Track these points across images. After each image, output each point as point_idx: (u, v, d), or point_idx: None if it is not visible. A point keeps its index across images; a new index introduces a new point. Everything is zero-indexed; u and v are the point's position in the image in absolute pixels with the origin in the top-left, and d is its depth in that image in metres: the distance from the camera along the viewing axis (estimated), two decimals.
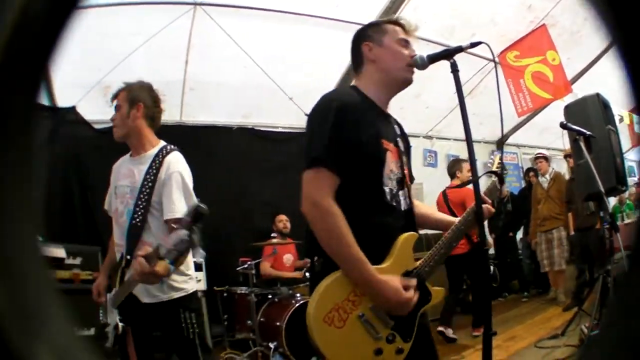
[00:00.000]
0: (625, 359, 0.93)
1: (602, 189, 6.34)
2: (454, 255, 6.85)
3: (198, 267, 8.65)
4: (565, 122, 6.96)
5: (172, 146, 4.77)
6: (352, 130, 3.13)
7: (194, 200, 4.39)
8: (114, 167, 4.97)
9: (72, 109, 10.25)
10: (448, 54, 3.36)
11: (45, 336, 1.03)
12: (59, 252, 6.96)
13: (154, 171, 4.47)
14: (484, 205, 3.52)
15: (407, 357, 3.20)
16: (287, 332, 8.16)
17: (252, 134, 12.39)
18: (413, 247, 3.34)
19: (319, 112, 3.28)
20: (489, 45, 3.42)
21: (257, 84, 10.89)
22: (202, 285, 8.78)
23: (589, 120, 7.20)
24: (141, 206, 4.44)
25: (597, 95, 7.51)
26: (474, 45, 3.38)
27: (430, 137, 14.41)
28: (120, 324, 4.46)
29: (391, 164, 3.33)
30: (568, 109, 7.93)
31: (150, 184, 4.44)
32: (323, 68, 10.76)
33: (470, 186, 4.25)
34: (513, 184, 16.16)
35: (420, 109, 12.14)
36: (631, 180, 16.75)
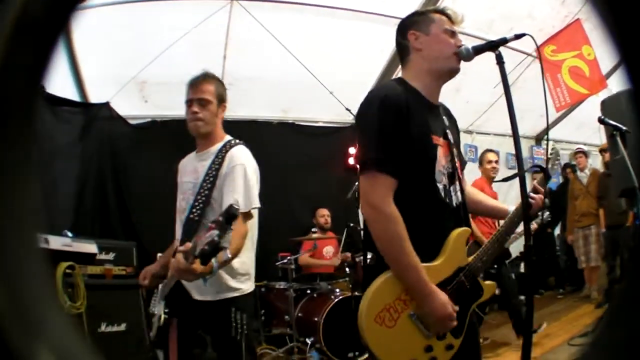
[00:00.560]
0: None
1: (637, 185, 6.31)
2: None
3: None
4: (602, 117, 6.93)
5: (237, 140, 4.73)
6: (402, 130, 3.13)
7: (254, 194, 4.44)
8: (179, 166, 5.00)
9: (106, 105, 10.31)
10: (493, 45, 3.34)
11: (45, 336, 1.05)
12: (91, 247, 6.94)
13: (217, 166, 4.42)
14: (537, 196, 3.60)
15: (458, 352, 3.23)
16: (324, 328, 8.14)
17: (292, 128, 12.44)
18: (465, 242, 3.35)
19: (367, 112, 3.28)
20: (532, 37, 3.42)
21: (296, 78, 10.86)
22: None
23: (623, 116, 7.16)
24: (200, 200, 4.39)
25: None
26: (518, 37, 3.36)
27: (470, 132, 14.33)
28: (163, 315, 4.44)
29: (442, 159, 3.34)
30: (604, 104, 7.87)
31: (211, 179, 4.40)
32: (363, 62, 10.75)
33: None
34: (552, 180, 16.02)
35: (460, 103, 12.06)
36: None
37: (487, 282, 3.43)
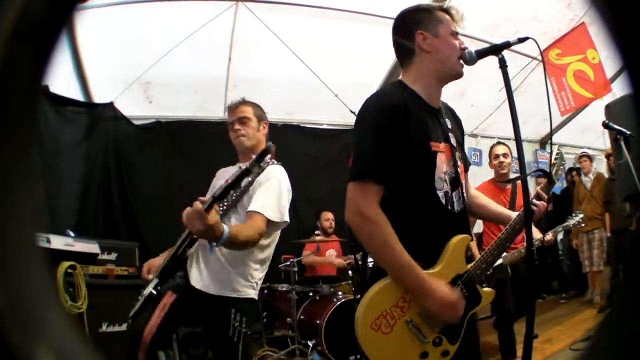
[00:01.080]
0: None
1: None
2: None
3: None
4: (607, 121, 6.92)
5: (276, 161, 4.88)
6: (398, 137, 3.10)
7: (286, 208, 4.61)
8: (218, 173, 5.18)
9: (110, 105, 10.35)
10: (496, 49, 3.30)
11: (45, 336, 1.05)
12: (93, 247, 6.98)
13: (254, 176, 4.29)
14: (539, 203, 3.56)
15: (452, 358, 3.21)
16: (326, 331, 8.14)
17: (296, 130, 12.47)
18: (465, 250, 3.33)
19: (364, 119, 3.26)
20: (536, 41, 3.37)
21: (301, 80, 10.92)
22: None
23: (627, 120, 7.14)
24: (229, 200, 4.47)
25: None
26: (521, 40, 3.31)
27: (475, 136, 14.35)
28: (152, 290, 4.41)
29: (443, 165, 3.30)
30: (608, 109, 7.86)
31: (246, 185, 4.45)
32: (368, 64, 10.76)
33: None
34: (556, 184, 15.99)
35: (465, 107, 12.08)
36: None
37: (486, 289, 3.41)
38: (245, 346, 4.43)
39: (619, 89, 10.90)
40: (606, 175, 12.48)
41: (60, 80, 8.91)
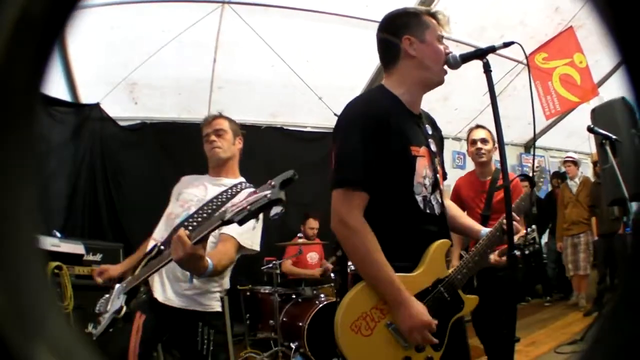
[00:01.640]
0: None
1: (627, 195, 6.30)
2: None
3: None
4: (592, 126, 6.91)
5: (250, 185, 4.73)
6: (379, 143, 3.11)
7: (258, 237, 4.58)
8: (183, 179, 5.06)
9: (97, 106, 10.35)
10: (481, 53, 3.31)
11: (45, 336, 1.04)
12: (78, 248, 7.02)
13: (228, 196, 4.45)
14: (515, 224, 3.51)
15: None
16: (309, 333, 8.15)
17: (280, 133, 12.49)
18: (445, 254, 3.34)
19: (345, 125, 3.27)
20: (521, 46, 3.35)
21: (285, 83, 10.97)
22: (225, 284, 8.78)
23: (615, 124, 7.15)
24: (202, 215, 4.35)
25: (623, 99, 7.45)
26: (506, 45, 3.34)
27: (459, 139, 14.33)
28: (125, 308, 4.15)
29: (423, 170, 3.30)
30: (595, 113, 7.87)
31: (219, 203, 4.38)
32: (352, 68, 10.76)
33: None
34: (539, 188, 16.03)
35: (449, 111, 12.13)
36: None
37: (470, 295, 3.39)
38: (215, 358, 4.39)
39: (606, 93, 10.94)
40: (592, 179, 12.50)
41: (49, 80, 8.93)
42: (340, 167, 3.20)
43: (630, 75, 0.97)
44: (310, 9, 10.00)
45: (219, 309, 4.64)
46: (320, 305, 8.39)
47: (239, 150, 5.00)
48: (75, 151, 9.96)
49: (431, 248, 3.24)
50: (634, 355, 0.92)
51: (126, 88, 10.40)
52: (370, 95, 3.53)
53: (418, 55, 3.35)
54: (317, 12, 10.08)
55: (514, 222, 3.45)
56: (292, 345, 8.45)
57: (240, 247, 4.30)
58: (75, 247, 6.98)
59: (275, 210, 2.94)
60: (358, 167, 3.10)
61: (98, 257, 7.52)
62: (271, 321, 8.97)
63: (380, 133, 3.11)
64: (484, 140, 6.90)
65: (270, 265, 9.29)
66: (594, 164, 11.82)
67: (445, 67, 3.41)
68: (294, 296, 9.25)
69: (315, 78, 10.99)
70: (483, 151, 6.82)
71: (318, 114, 11.47)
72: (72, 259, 6.88)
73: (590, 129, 6.82)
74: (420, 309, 3.05)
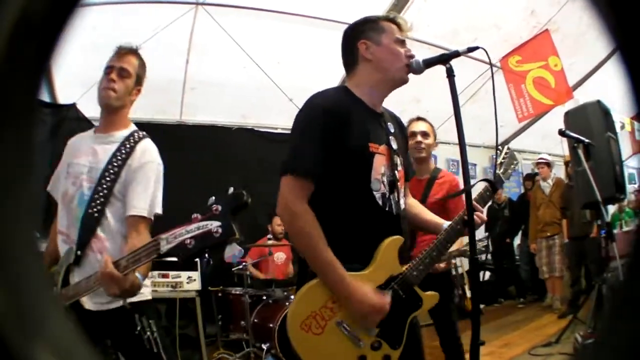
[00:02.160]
0: None
1: (600, 199, 6.32)
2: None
3: (193, 267, 8.77)
4: (563, 129, 6.94)
5: (144, 132, 4.22)
6: (336, 136, 3.14)
7: (160, 199, 3.94)
8: (69, 143, 4.40)
9: (73, 106, 10.28)
10: (444, 58, 3.31)
11: (45, 336, 1.03)
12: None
13: (124, 155, 3.90)
14: (476, 215, 3.46)
15: None
16: (279, 334, 8.15)
17: (251, 134, 12.54)
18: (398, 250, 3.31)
19: (302, 118, 3.30)
20: (486, 51, 3.38)
21: (257, 84, 10.99)
22: (196, 285, 8.89)
23: (589, 128, 7.18)
24: (101, 193, 3.81)
25: (598, 102, 7.49)
26: (471, 50, 3.35)
27: None
28: None
29: (381, 167, 3.32)
30: (568, 116, 7.91)
31: (116, 169, 3.85)
32: (324, 69, 10.76)
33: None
34: (512, 190, 16.12)
35: (420, 113, 12.13)
36: (632, 188, 16.73)
37: (428, 292, 3.38)
38: (166, 348, 3.88)
39: (582, 96, 11.00)
40: (565, 181, 12.55)
41: None
42: (289, 155, 3.25)
43: (626, 61, 0.96)
44: (283, 10, 10.09)
45: (149, 296, 4.03)
46: None
47: (132, 103, 4.30)
48: (52, 151, 9.91)
49: (383, 245, 3.25)
50: (634, 356, 0.92)
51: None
52: (331, 91, 3.49)
53: (374, 58, 3.43)
54: (290, 14, 10.17)
55: (478, 214, 3.47)
56: (264, 346, 8.48)
57: (148, 222, 3.82)
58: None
59: (232, 250, 2.58)
60: (309, 158, 3.14)
61: None
62: (242, 322, 9.00)
63: (338, 128, 3.16)
64: (424, 134, 6.41)
65: (241, 266, 9.37)
66: (566, 164, 11.83)
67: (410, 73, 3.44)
68: (264, 297, 9.27)
69: (286, 79, 11.08)
70: (423, 145, 6.28)
71: (289, 115, 11.46)
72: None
73: (561, 132, 6.85)
74: (366, 292, 3.07)
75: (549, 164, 12.69)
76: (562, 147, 13.02)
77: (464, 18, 10.78)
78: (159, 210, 3.90)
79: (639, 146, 15.45)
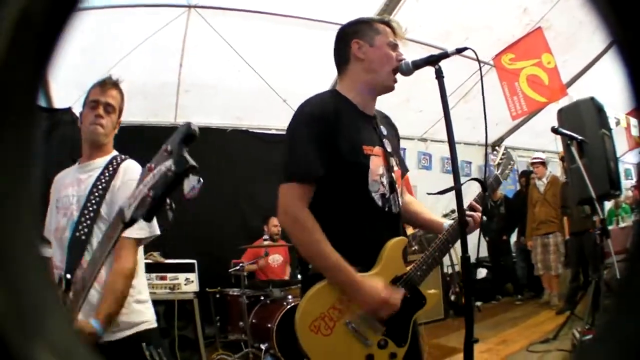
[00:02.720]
0: None
1: (594, 195, 6.34)
2: None
3: (190, 268, 8.80)
4: (556, 127, 6.94)
5: (126, 155, 4.11)
6: (327, 141, 3.17)
7: (155, 221, 3.80)
8: (55, 179, 4.29)
9: (69, 110, 10.27)
10: (433, 60, 3.30)
11: (45, 336, 1.03)
12: (48, 252, 6.99)
13: (107, 178, 3.82)
14: (474, 214, 3.53)
15: None
16: (278, 334, 8.20)
17: (245, 135, 12.56)
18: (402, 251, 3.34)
19: (295, 124, 3.31)
20: (474, 51, 3.31)
21: (251, 86, 11.01)
22: (194, 287, 8.91)
23: (582, 125, 7.18)
24: (87, 216, 3.71)
25: (592, 99, 7.48)
26: (460, 50, 3.33)
27: (424, 140, 14.49)
28: None
29: (378, 168, 3.33)
30: (561, 113, 7.91)
31: (101, 191, 3.76)
32: (317, 70, 10.75)
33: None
34: (508, 187, 16.05)
35: (412, 112, 12.17)
36: (629, 183, 16.74)
37: (431, 291, 3.41)
38: None
39: (575, 93, 11.01)
40: (561, 178, 12.56)
41: None
42: (284, 164, 3.27)
43: (624, 53, 0.96)
44: (275, 12, 10.09)
45: (154, 322, 3.94)
46: (288, 307, 8.43)
47: (113, 134, 4.17)
48: (46, 155, 9.89)
49: (387, 246, 3.27)
50: (633, 353, 0.92)
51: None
52: (321, 96, 3.49)
53: (366, 58, 3.44)
54: (282, 16, 10.18)
55: (475, 214, 3.53)
56: (262, 347, 8.49)
57: (140, 242, 3.80)
58: (44, 252, 6.95)
59: (190, 183, 2.15)
60: (302, 162, 3.17)
61: None
62: (241, 323, 9.03)
63: (329, 132, 3.18)
64: None
65: (238, 267, 9.34)
66: (562, 159, 11.82)
67: (398, 74, 3.47)
68: (262, 298, 9.30)
69: (280, 81, 11.12)
70: None
71: (283, 116, 11.44)
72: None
73: (554, 130, 6.86)
74: (376, 286, 3.11)
75: (544, 163, 12.69)
76: (556, 144, 13.05)
77: (457, 18, 10.77)
78: (155, 230, 3.84)
79: (635, 142, 15.41)
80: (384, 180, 3.36)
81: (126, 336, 3.62)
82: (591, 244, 9.91)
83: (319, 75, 10.21)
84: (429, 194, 4.06)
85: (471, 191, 3.74)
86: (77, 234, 3.66)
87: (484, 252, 14.43)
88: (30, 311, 1.03)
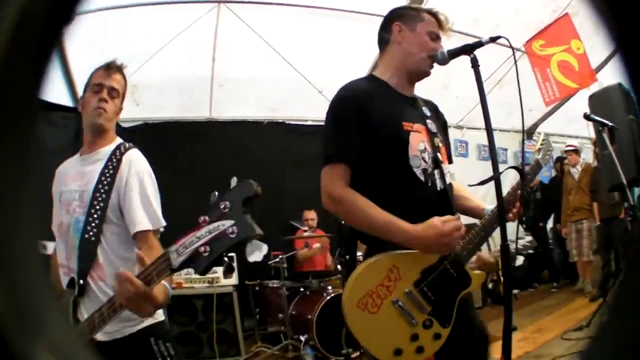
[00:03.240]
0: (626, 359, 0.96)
1: (625, 181, 6.33)
2: None
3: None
4: (588, 113, 6.92)
5: (131, 144, 3.97)
6: (363, 120, 3.22)
7: (160, 211, 3.70)
8: (57, 172, 4.06)
9: None
10: (468, 49, 3.33)
11: (45, 336, 1.06)
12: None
13: (111, 171, 3.65)
14: (513, 210, 3.57)
15: (447, 342, 3.20)
16: (317, 325, 8.19)
17: (282, 127, 12.55)
18: None
19: (329, 109, 3.38)
20: (508, 40, 3.37)
21: (285, 77, 11.04)
22: (234, 280, 8.98)
23: (611, 110, 7.15)
24: (95, 215, 3.55)
25: (619, 84, 7.44)
26: (493, 39, 3.35)
27: (460, 127, 14.39)
28: None
29: (419, 143, 3.35)
30: (592, 99, 7.89)
31: (106, 187, 3.60)
32: (352, 60, 10.76)
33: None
34: (544, 173, 15.99)
35: (449, 99, 12.08)
36: None
37: (476, 271, 3.38)
38: None
39: (605, 78, 10.95)
40: (594, 163, 12.49)
41: (49, 86, 8.96)
42: (324, 148, 3.34)
43: (625, 61, 1.03)
44: (305, 4, 10.13)
45: (163, 316, 3.82)
46: (328, 298, 8.41)
47: (117, 120, 4.11)
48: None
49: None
50: (631, 353, 0.94)
51: (127, 90, 10.39)
52: (356, 81, 3.55)
53: (404, 42, 3.49)
54: (313, 7, 10.21)
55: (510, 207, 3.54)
56: (302, 338, 8.50)
57: (155, 233, 3.60)
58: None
59: (253, 248, 2.19)
60: (340, 145, 3.25)
61: None
62: (280, 315, 9.06)
63: (362, 112, 3.24)
64: None
65: (277, 259, 9.36)
66: (594, 144, 11.75)
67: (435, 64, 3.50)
68: (301, 289, 9.31)
69: (315, 72, 11.12)
70: None
71: (318, 107, 11.41)
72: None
73: (586, 116, 6.85)
74: (428, 223, 3.09)
75: (577, 151, 12.68)
76: (588, 130, 12.98)
77: (485, 5, 10.75)
78: (162, 222, 3.69)
79: None
80: (426, 155, 3.37)
81: (135, 331, 3.55)
82: (621, 231, 9.89)
83: (356, 66, 10.21)
84: (470, 185, 4.08)
85: (509, 177, 3.78)
86: (86, 235, 3.55)
87: (521, 240, 14.26)
88: (30, 311, 1.04)
